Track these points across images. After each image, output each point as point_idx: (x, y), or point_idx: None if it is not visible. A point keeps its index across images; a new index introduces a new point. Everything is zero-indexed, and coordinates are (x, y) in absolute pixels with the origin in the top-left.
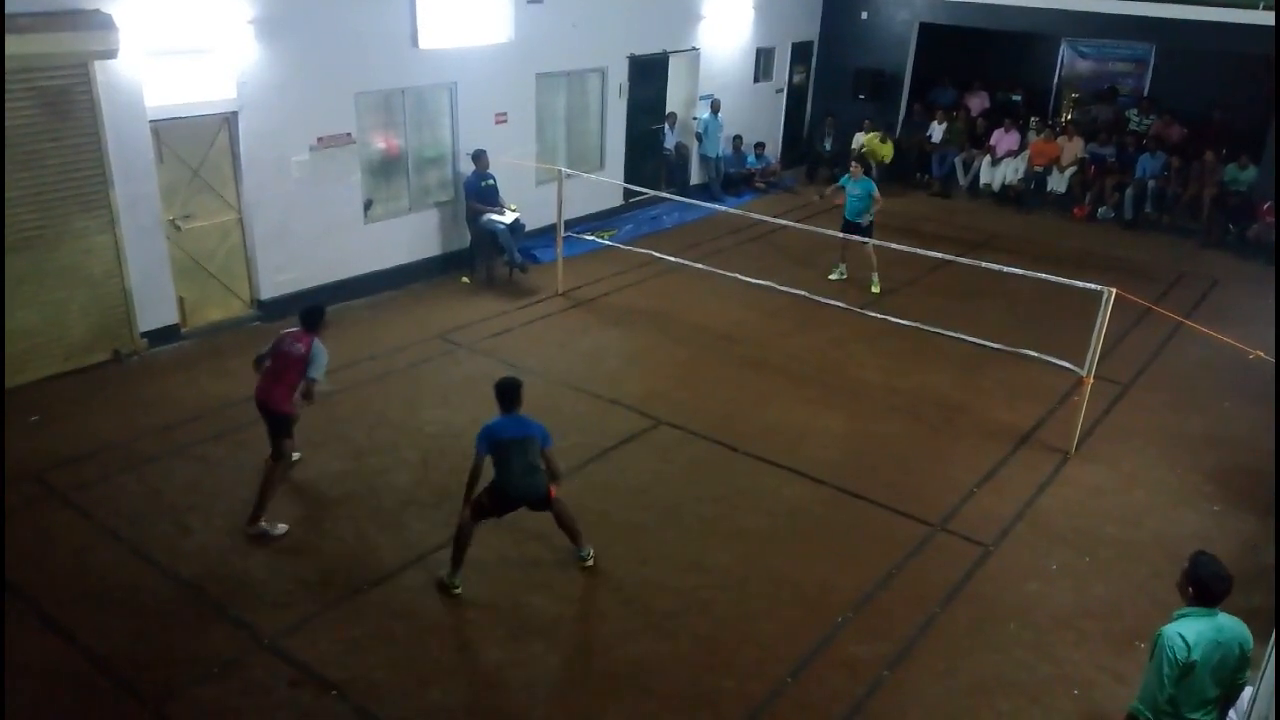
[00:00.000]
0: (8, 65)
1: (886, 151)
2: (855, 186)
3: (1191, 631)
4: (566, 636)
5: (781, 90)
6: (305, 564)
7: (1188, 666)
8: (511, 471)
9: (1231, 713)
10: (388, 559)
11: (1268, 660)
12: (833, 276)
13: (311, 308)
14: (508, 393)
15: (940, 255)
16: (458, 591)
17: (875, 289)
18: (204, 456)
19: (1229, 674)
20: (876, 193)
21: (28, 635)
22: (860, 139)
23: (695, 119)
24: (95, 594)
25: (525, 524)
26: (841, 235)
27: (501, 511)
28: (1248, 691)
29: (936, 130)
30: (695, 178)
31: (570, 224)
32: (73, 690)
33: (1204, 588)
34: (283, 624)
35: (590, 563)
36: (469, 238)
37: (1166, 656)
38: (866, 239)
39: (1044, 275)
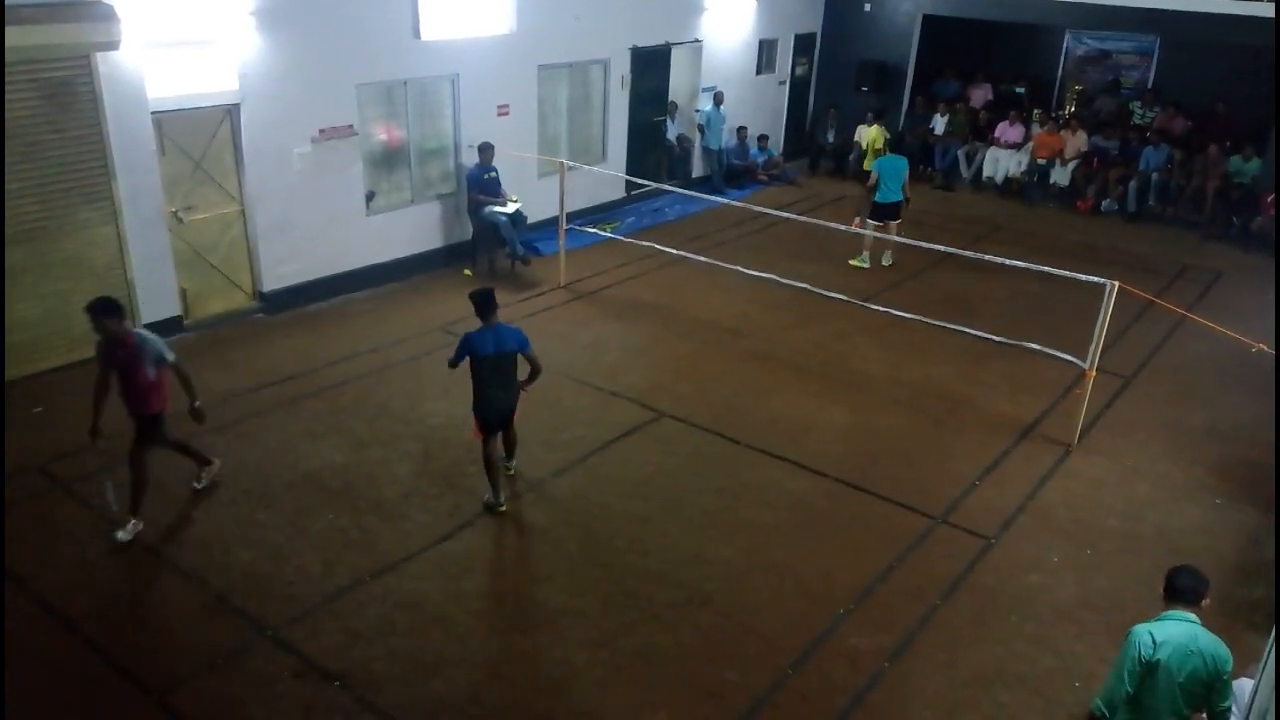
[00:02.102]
0: (9, 57)
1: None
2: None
3: (1161, 632)
4: (568, 628)
5: (784, 82)
6: (307, 555)
7: (1151, 665)
8: (486, 387)
9: (1232, 704)
10: (390, 550)
11: (1268, 652)
12: (885, 263)
13: (99, 299)
14: (484, 302)
15: (943, 248)
16: (503, 509)
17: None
18: (206, 447)
19: (1200, 690)
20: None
21: (31, 626)
22: (861, 131)
23: (698, 111)
24: (98, 585)
25: (527, 517)
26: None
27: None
28: (1249, 684)
29: (939, 122)
30: (698, 170)
31: (572, 216)
32: (77, 681)
33: (1170, 587)
34: (285, 615)
35: (511, 471)
36: (471, 230)
37: (1129, 652)
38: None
39: (1047, 268)
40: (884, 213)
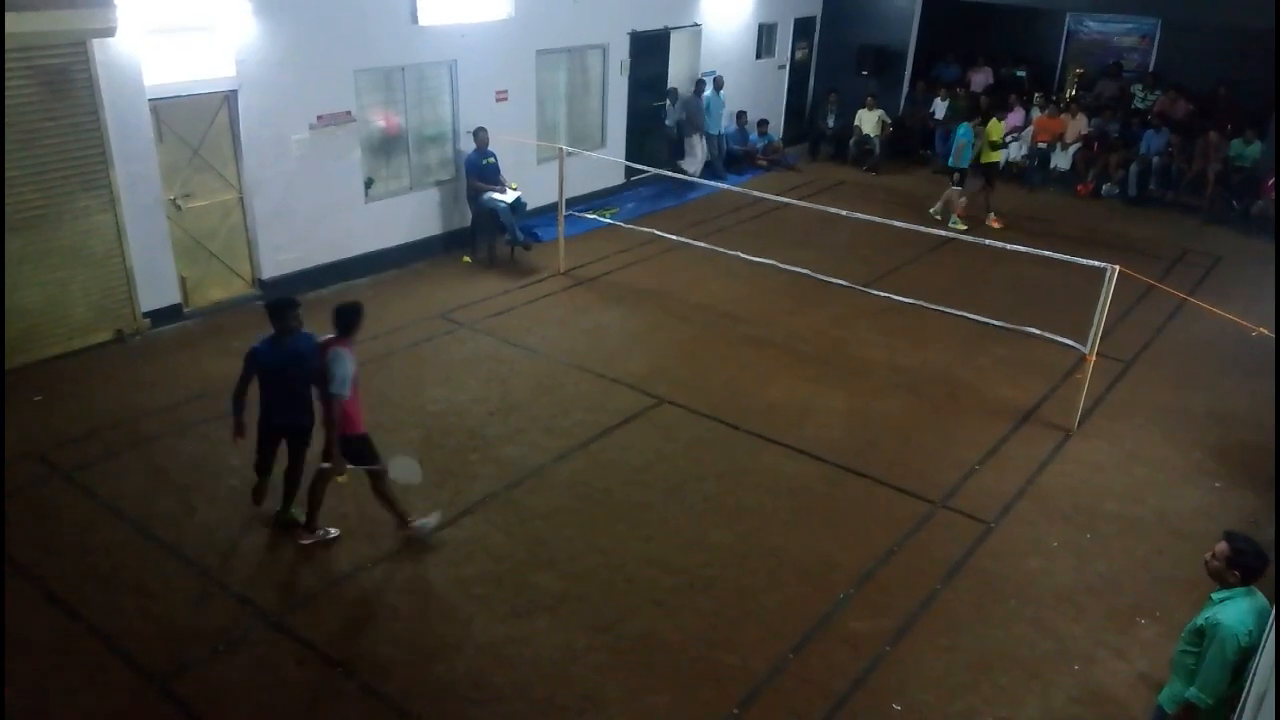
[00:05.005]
0: (6, 44)
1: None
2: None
3: (1250, 617)
4: (570, 613)
5: (784, 66)
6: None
7: (1247, 649)
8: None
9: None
10: (392, 537)
11: (1267, 635)
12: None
13: (338, 306)
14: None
15: (943, 233)
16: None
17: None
18: (207, 435)
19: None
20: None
21: (34, 613)
22: (861, 115)
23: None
24: (100, 572)
25: (529, 503)
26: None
27: None
28: None
29: (940, 106)
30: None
31: (572, 202)
32: (80, 667)
33: (1251, 570)
34: (288, 601)
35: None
36: (470, 216)
37: (1232, 644)
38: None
39: (1047, 253)
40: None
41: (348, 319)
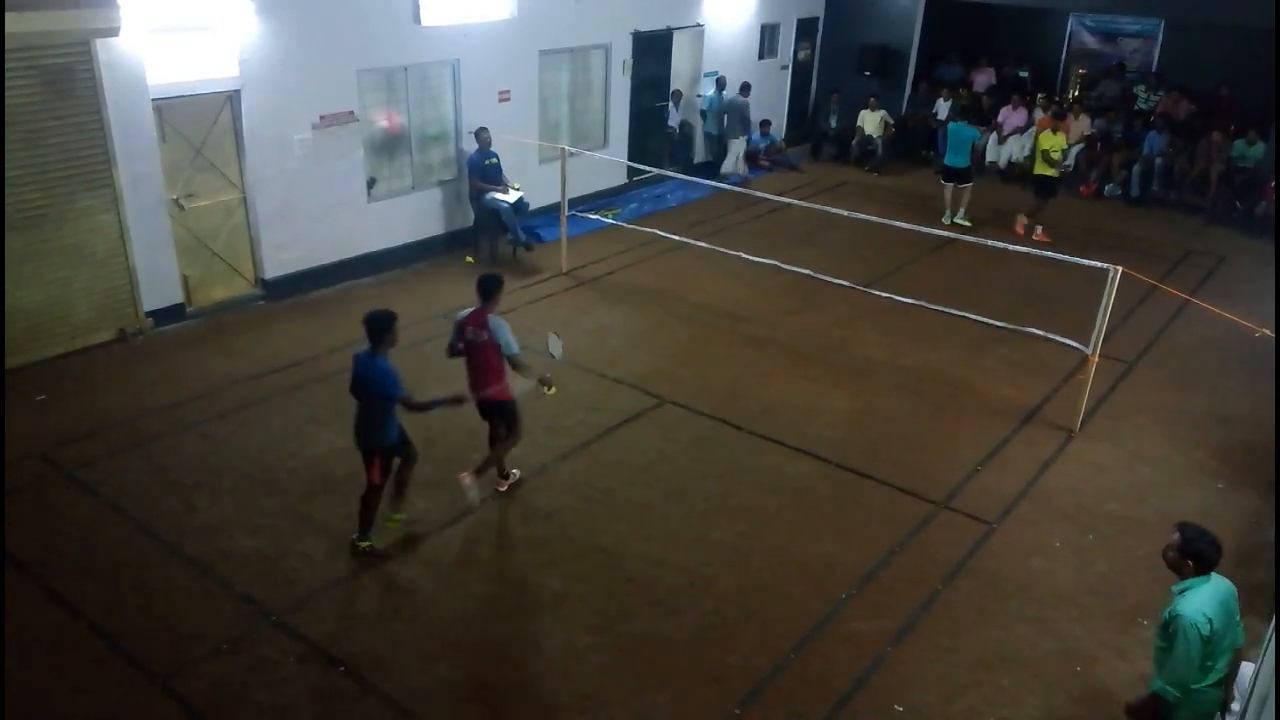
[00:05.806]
0: (9, 44)
1: (1057, 143)
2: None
3: (1207, 605)
4: (571, 612)
5: (786, 67)
6: (311, 540)
7: (1209, 639)
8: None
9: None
10: (394, 536)
11: (1269, 637)
12: (946, 220)
13: (483, 277)
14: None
15: (945, 233)
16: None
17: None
18: (209, 434)
19: (1233, 627)
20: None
21: (35, 611)
22: (864, 116)
23: (700, 96)
24: (102, 571)
25: (530, 502)
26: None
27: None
28: (1248, 668)
29: (942, 107)
30: (699, 156)
31: (574, 203)
32: (81, 665)
33: (1203, 559)
34: (289, 600)
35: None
36: (472, 216)
37: (1193, 635)
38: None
39: (1050, 253)
40: (945, 175)
41: (491, 288)
